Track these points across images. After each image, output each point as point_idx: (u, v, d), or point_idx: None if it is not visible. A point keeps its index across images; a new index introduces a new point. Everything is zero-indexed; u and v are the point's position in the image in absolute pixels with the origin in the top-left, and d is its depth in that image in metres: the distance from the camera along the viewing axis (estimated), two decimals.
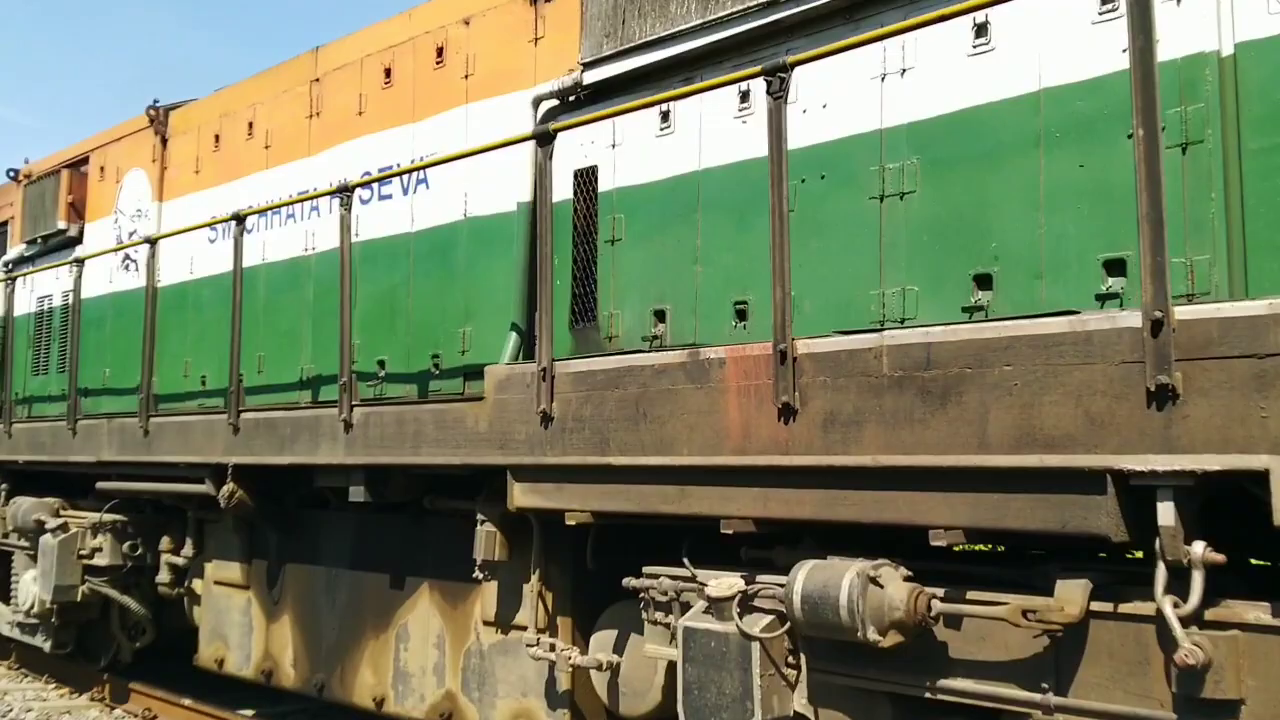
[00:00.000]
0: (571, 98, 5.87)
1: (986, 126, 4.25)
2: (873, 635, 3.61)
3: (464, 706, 5.73)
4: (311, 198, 6.74)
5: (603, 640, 5.13)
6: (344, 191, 6.08)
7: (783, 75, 4.14)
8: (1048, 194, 4.02)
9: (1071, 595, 3.34)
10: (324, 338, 7.14)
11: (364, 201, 7.04)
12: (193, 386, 7.99)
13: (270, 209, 7.16)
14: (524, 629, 5.43)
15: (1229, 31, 3.66)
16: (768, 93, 4.19)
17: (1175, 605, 3.08)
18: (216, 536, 7.60)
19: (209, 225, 7.61)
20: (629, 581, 4.62)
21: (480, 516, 5.41)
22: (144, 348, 7.61)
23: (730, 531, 4.13)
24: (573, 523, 4.73)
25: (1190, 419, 3.08)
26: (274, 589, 7.15)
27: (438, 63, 6.72)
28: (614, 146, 5.65)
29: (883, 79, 4.61)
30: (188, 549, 7.73)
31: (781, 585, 4.01)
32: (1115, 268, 3.82)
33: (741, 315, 4.97)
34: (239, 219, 6.84)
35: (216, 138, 8.46)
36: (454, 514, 5.83)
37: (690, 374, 4.36)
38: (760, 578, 4.14)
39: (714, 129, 5.21)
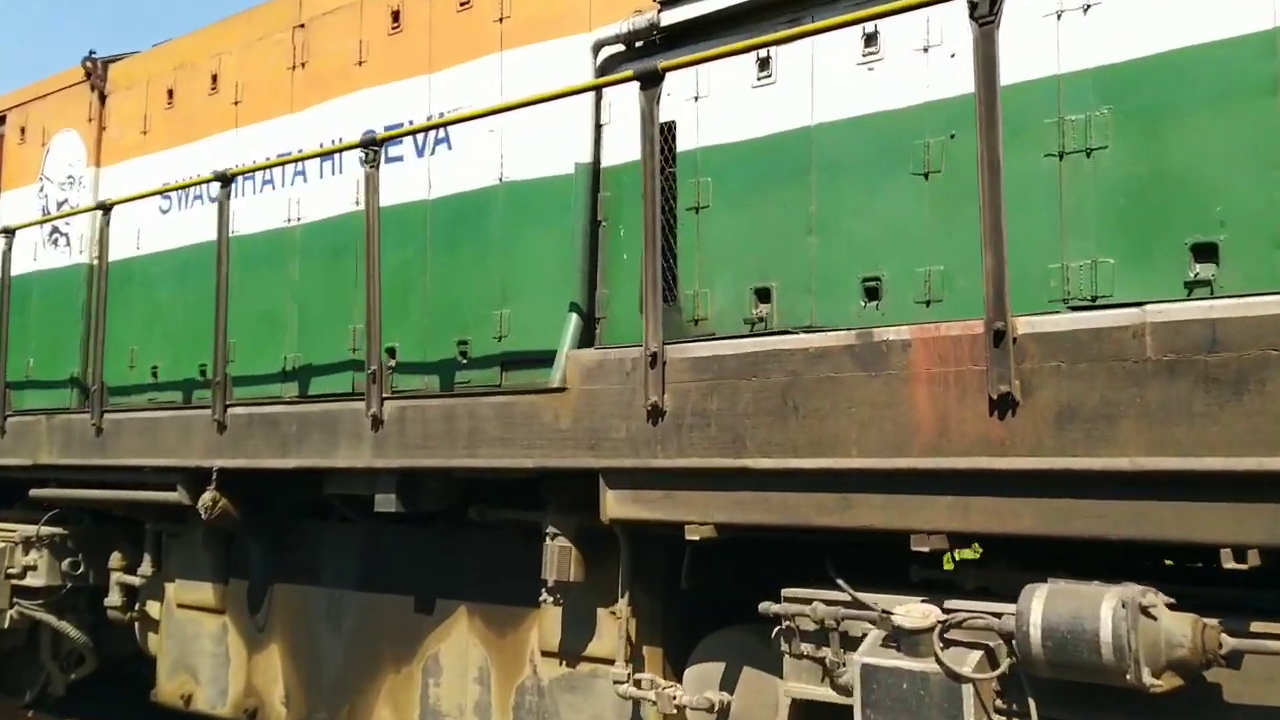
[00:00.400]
0: (640, 43, 5.07)
1: (1207, 69, 3.62)
2: (1148, 678, 2.93)
3: None
4: (325, 153, 5.79)
5: (703, 676, 4.35)
6: (371, 145, 5.16)
7: None
8: None
9: None
10: (314, 322, 6.21)
11: (364, 163, 6.11)
12: (141, 379, 6.93)
13: (262, 168, 6.14)
14: (599, 661, 4.63)
15: None
16: (972, 17, 3.48)
17: None
18: (181, 552, 6.55)
19: (184, 187, 6.55)
20: (768, 607, 3.85)
21: (550, 529, 4.57)
22: (93, 332, 6.52)
23: (926, 549, 3.41)
24: (696, 538, 3.94)
25: None
26: (258, 613, 6.15)
27: (462, 5, 5.83)
28: (697, 99, 4.87)
29: (1059, 16, 3.94)
30: (145, 567, 6.64)
31: (991, 614, 3.31)
32: None
33: (872, 294, 4.25)
34: (224, 179, 5.84)
35: (170, 93, 7.38)
36: (500, 526, 5.00)
37: (860, 359, 3.62)
38: (956, 604, 3.43)
39: (831, 78, 4.47)
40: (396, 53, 6.05)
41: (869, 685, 3.43)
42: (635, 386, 4.13)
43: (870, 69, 4.38)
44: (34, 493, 7.10)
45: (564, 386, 4.35)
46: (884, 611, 3.48)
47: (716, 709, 4.20)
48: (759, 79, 4.68)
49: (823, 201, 4.43)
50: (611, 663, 4.57)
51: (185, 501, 5.86)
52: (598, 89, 4.76)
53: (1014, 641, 3.17)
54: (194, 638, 6.53)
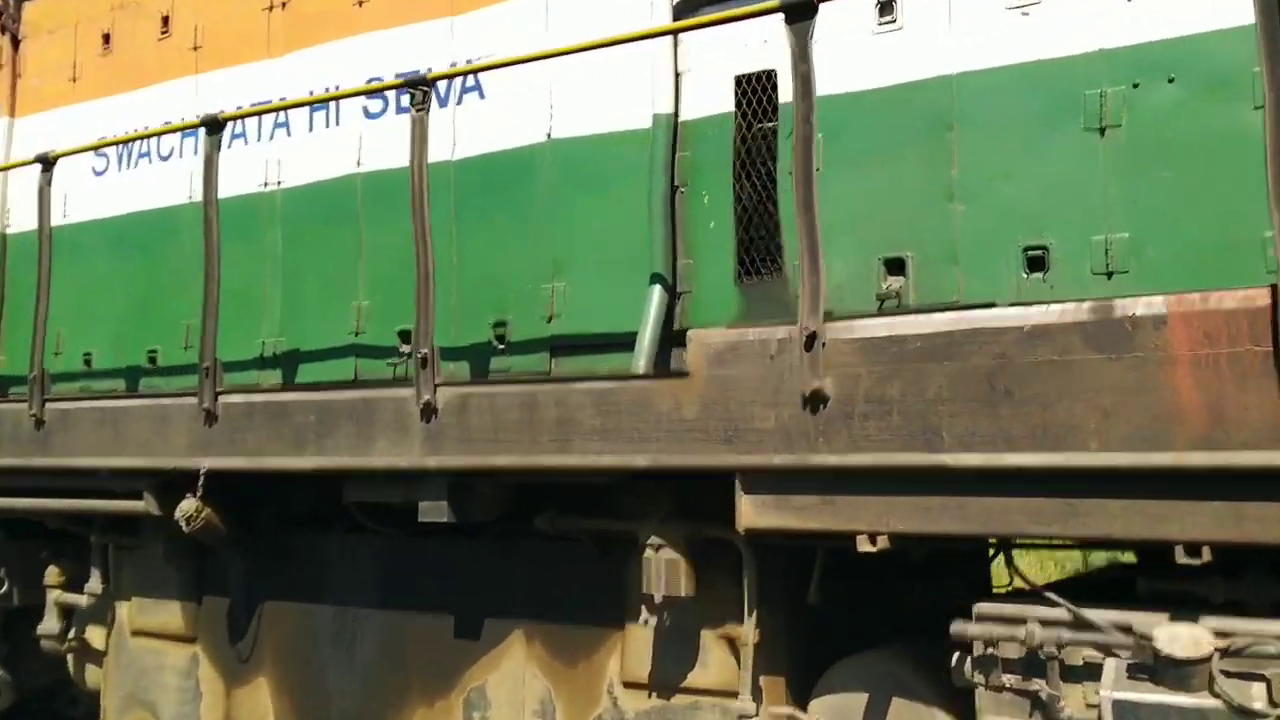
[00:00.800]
0: None
1: None
2: None
3: None
4: (367, 91, 4.93)
5: (838, 710, 3.74)
6: (420, 85, 4.37)
7: None
8: None
9: None
10: (302, 301, 5.35)
11: (370, 115, 5.31)
12: (70, 366, 5.91)
13: (271, 110, 5.22)
14: (700, 693, 3.98)
15: None
16: None
17: None
18: (138, 569, 5.57)
19: (161, 134, 5.57)
20: (963, 628, 3.27)
21: (654, 540, 3.88)
22: (36, 308, 5.47)
23: (1197, 562, 2.88)
24: (872, 549, 3.32)
25: None
26: (241, 640, 5.23)
27: None
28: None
29: None
30: (93, 584, 5.59)
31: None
32: None
33: (1036, 264, 3.72)
34: (213, 124, 4.92)
35: (106, 37, 6.36)
36: (571, 537, 4.28)
37: (1094, 337, 3.07)
38: (1227, 624, 2.92)
39: (975, 22, 3.93)
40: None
41: None
42: (784, 370, 3.49)
43: (1025, 13, 3.85)
44: None
45: (684, 371, 3.68)
46: (1140, 636, 2.94)
47: None
48: (881, 24, 4.10)
49: (968, 161, 3.88)
50: (715, 694, 3.94)
51: (154, 511, 4.92)
52: (675, 33, 4.09)
53: None
54: (154, 670, 5.53)
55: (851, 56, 4.13)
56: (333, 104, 5.39)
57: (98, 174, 6.22)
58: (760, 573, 3.80)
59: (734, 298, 4.25)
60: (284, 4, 5.67)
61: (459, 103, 5.06)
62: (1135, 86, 3.61)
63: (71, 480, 5.25)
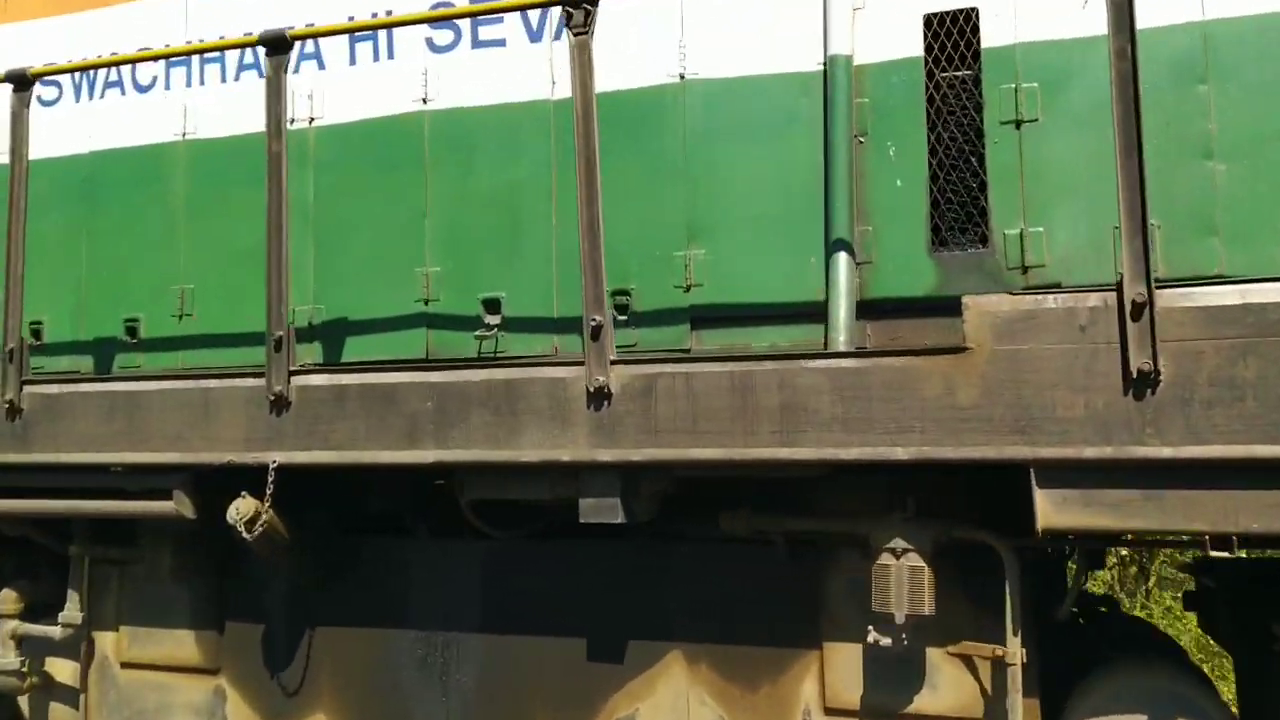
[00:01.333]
0: None
1: None
2: None
3: None
4: (482, 12, 4.06)
5: None
6: (580, 3, 3.61)
7: None
8: None
9: None
10: (340, 261, 4.46)
11: (436, 48, 4.48)
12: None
13: (351, 30, 4.26)
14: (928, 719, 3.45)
15: None
16: None
17: None
18: (132, 587, 4.52)
19: (217, 49, 4.48)
20: None
21: (899, 544, 3.32)
22: (6, 262, 4.33)
23: None
24: (1226, 554, 2.88)
25: None
26: (286, 669, 4.30)
27: None
28: None
29: None
30: (71, 610, 4.48)
31: None
32: None
33: None
34: (278, 43, 3.95)
35: None
36: (758, 539, 3.66)
37: None
38: None
39: None
40: None
41: None
42: (1100, 346, 2.99)
43: None
44: None
45: (961, 346, 3.12)
46: None
47: None
48: None
49: (1225, 116, 3.50)
50: None
51: (189, 515, 3.95)
52: None
53: None
54: (157, 710, 4.48)
55: None
56: (381, 34, 4.52)
57: (45, 104, 5.07)
58: (1019, 581, 3.30)
59: (928, 269, 3.74)
60: None
61: (558, 36, 4.30)
62: None
63: (52, 478, 4.17)
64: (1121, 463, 2.95)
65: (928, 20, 3.85)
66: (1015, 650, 3.27)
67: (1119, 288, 3.00)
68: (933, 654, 3.48)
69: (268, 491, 3.76)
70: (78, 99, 5.06)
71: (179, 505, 3.95)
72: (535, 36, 4.37)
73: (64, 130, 5.02)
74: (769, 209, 3.94)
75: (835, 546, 3.60)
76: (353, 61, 4.63)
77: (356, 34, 4.57)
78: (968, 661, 3.44)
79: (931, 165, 3.80)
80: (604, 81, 4.13)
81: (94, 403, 4.07)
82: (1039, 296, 3.12)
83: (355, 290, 4.43)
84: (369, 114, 4.53)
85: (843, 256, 3.74)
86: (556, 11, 4.26)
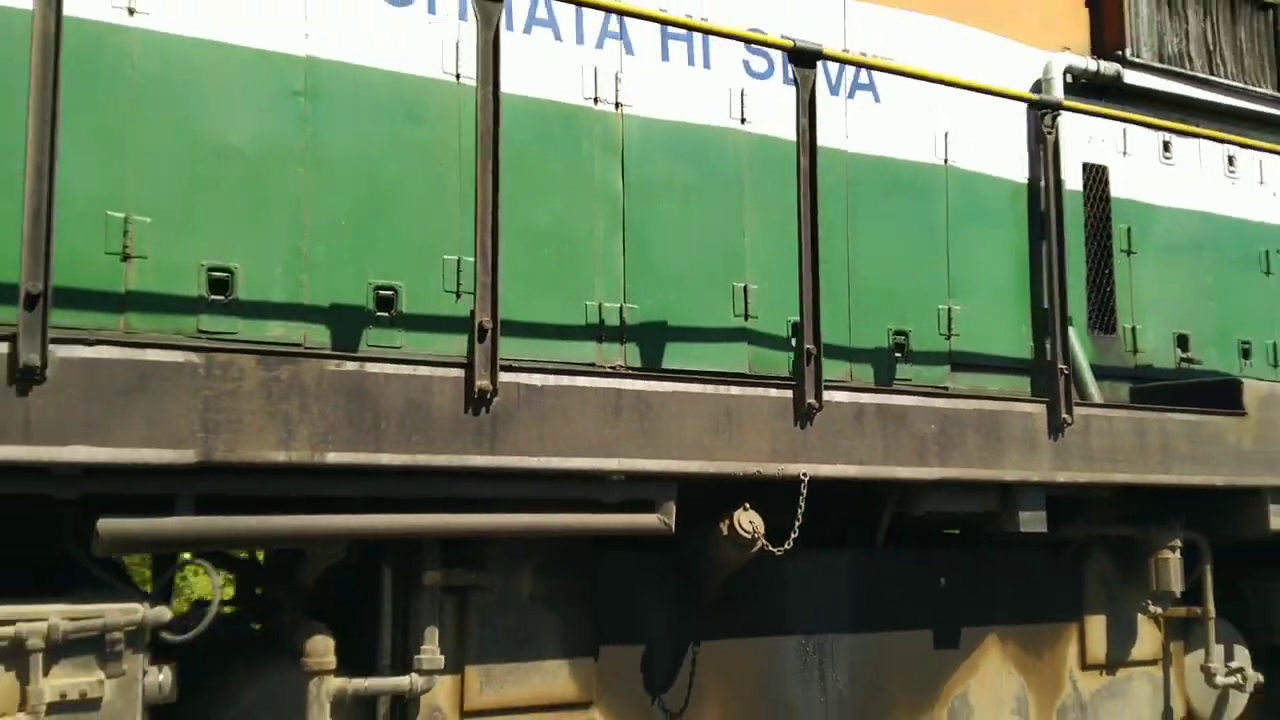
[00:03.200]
0: (1084, 81, 5.44)
1: None
2: None
3: None
4: (743, 39, 4.35)
5: None
6: (808, 58, 4.12)
7: None
8: None
9: None
10: (653, 262, 4.38)
11: (753, 73, 4.69)
12: (162, 284, 3.54)
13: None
14: (1136, 664, 5.00)
15: None
16: None
17: None
18: (477, 618, 3.65)
19: None
20: None
21: (1174, 543, 4.81)
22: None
23: None
24: None
25: None
26: (667, 690, 3.96)
27: None
28: (1123, 154, 5.56)
29: None
30: (431, 651, 3.39)
31: None
32: None
33: (1246, 354, 5.77)
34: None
35: None
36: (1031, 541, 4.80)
37: None
38: None
39: (1214, 178, 5.82)
40: None
41: None
42: None
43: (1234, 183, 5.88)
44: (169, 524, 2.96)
45: (1245, 411, 4.78)
46: None
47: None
48: (1163, 158, 5.70)
49: (1221, 274, 5.71)
50: (1144, 664, 5.02)
51: (659, 528, 3.63)
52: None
53: None
54: None
55: (1148, 172, 5.60)
56: (698, 39, 4.54)
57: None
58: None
59: (1088, 345, 5.29)
60: None
61: (850, 96, 4.87)
62: None
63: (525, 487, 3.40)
64: None
65: (1085, 168, 5.41)
66: (1210, 608, 5.00)
67: None
68: (1139, 619, 5.02)
69: (800, 508, 3.76)
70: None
71: (660, 522, 3.63)
72: (834, 90, 4.83)
73: None
74: (999, 280, 5.09)
75: (1090, 547, 4.92)
76: (665, 58, 4.48)
77: (671, 33, 4.45)
78: (1157, 622, 5.05)
79: (1088, 273, 5.36)
80: (888, 149, 4.89)
81: (593, 399, 3.49)
82: (1276, 384, 4.95)
83: (671, 294, 4.34)
84: (684, 117, 4.46)
85: (1071, 331, 5.08)
86: (853, 77, 4.84)
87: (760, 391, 3.79)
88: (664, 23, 4.19)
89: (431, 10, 4.06)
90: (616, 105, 4.32)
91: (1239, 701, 5.20)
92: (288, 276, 3.70)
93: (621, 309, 4.21)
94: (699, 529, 3.79)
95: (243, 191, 3.63)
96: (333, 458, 3.13)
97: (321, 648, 3.36)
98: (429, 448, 3.25)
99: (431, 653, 3.52)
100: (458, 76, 4.06)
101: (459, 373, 3.31)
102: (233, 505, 3.15)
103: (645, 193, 4.32)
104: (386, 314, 3.84)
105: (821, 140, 4.49)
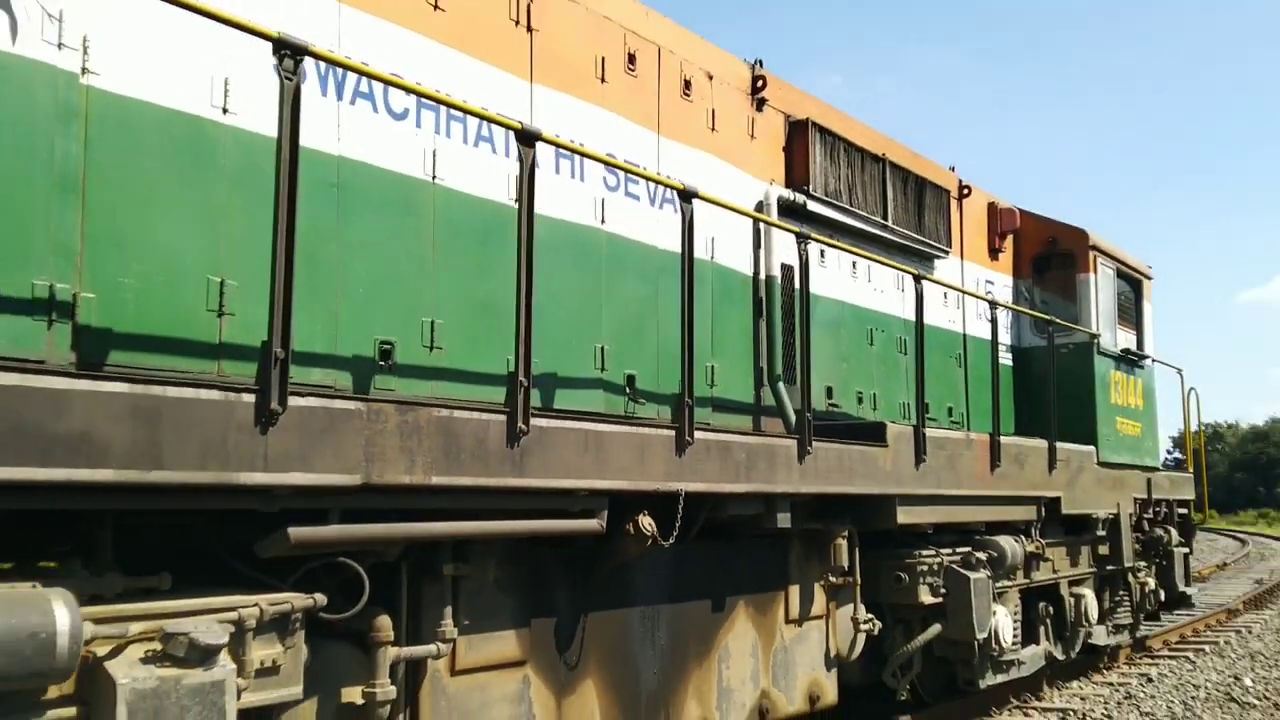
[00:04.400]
0: (779, 206, 7.58)
1: None
2: None
3: (775, 697, 6.74)
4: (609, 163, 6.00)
5: None
6: (529, 139, 6.34)
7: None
8: None
9: None
10: (545, 325, 5.81)
11: (609, 186, 6.26)
12: (244, 337, 4.48)
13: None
14: (817, 618, 7.17)
15: None
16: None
17: None
18: (469, 601, 4.74)
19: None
20: None
21: (845, 533, 7.03)
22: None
23: None
24: (917, 521, 7.52)
25: None
26: (568, 651, 5.29)
27: (685, 94, 6.80)
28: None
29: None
30: (448, 626, 4.39)
31: None
32: None
33: (860, 400, 8.29)
34: (529, 137, 5.47)
35: None
36: (761, 534, 6.79)
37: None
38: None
39: (845, 277, 8.28)
40: (633, 93, 6.40)
41: None
42: (911, 449, 7.36)
43: (854, 277, 8.39)
44: (300, 533, 3.71)
45: (887, 444, 7.11)
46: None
47: None
48: (820, 263, 8.03)
49: (848, 347, 8.14)
50: (819, 618, 7.20)
51: (598, 530, 5.08)
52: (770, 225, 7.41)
53: None
54: (479, 709, 4.77)
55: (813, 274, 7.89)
56: (577, 157, 6.01)
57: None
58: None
59: (782, 392, 7.43)
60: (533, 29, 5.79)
61: (662, 208, 6.61)
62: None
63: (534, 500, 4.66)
64: (916, 495, 7.36)
65: (781, 266, 7.54)
66: (857, 577, 7.29)
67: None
68: (819, 586, 7.19)
69: (679, 513, 5.38)
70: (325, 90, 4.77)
71: (601, 522, 5.10)
72: (654, 203, 6.51)
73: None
74: (738, 346, 7.05)
75: (792, 537, 6.97)
76: (556, 170, 5.87)
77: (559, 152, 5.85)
78: (825, 588, 7.25)
79: (778, 337, 7.49)
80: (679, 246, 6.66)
81: (571, 438, 4.85)
82: (904, 425, 7.33)
83: (557, 352, 5.76)
84: (567, 217, 5.90)
85: (779, 380, 7.15)
86: (663, 193, 6.54)
87: (662, 431, 5.36)
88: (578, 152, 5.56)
89: (418, 125, 5.17)
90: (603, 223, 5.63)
91: (861, 640, 7.56)
92: (325, 333, 4.65)
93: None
94: (613, 529, 5.26)
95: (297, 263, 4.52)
96: (435, 480, 4.24)
97: (384, 625, 4.40)
98: (486, 472, 4.45)
99: (449, 626, 4.67)
100: (434, 178, 5.20)
101: (503, 417, 4.54)
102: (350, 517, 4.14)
103: (548, 274, 5.66)
104: (385, 363, 4.89)
105: (646, 236, 6.20)
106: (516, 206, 5.41)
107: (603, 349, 6.03)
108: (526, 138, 4.72)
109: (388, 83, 4.61)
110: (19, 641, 2.98)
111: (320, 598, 4.01)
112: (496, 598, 5.05)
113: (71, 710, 3.28)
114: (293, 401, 3.72)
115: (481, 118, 5.00)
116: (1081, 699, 10.01)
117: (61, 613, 3.09)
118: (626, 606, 5.80)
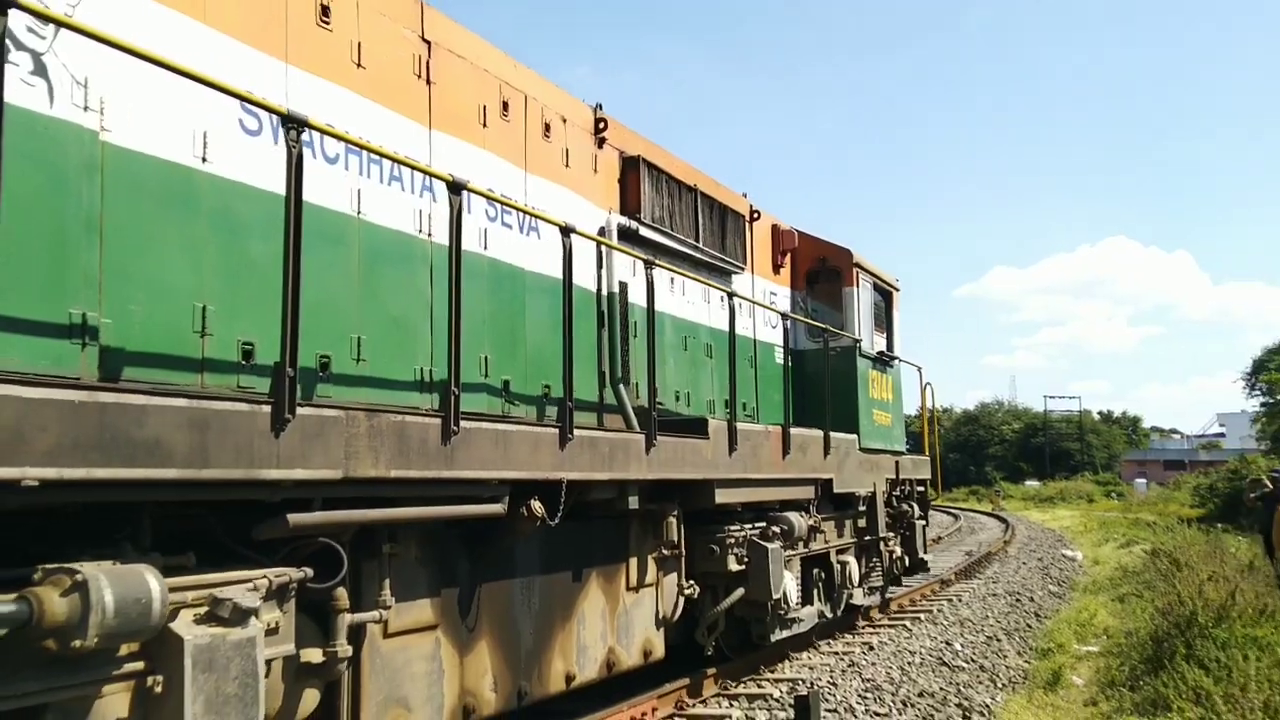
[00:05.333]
0: (619, 232, 8.76)
1: None
2: None
3: (619, 653, 7.91)
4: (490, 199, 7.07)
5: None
6: (457, 190, 7.54)
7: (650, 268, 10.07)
8: None
9: None
10: (442, 340, 6.80)
11: (489, 218, 7.24)
12: (220, 353, 5.29)
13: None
14: (650, 585, 8.40)
15: None
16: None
17: None
18: (398, 574, 5.60)
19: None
20: None
21: (675, 513, 8.28)
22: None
23: None
24: (730, 501, 8.90)
25: None
26: (468, 616, 6.22)
27: (546, 136, 7.84)
28: (633, 276, 9.00)
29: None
30: (385, 594, 5.23)
31: None
32: None
33: (677, 398, 9.60)
34: (457, 187, 6.53)
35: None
36: (610, 514, 7.95)
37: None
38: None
39: (671, 292, 9.56)
40: (506, 136, 7.40)
41: None
42: (726, 440, 8.69)
43: (678, 293, 9.69)
44: (296, 518, 4.48)
45: (709, 436, 8.40)
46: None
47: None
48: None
49: (687, 356, 9.42)
50: (651, 585, 8.44)
51: (500, 513, 6.09)
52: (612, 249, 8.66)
53: None
54: (404, 665, 5.63)
55: (635, 291, 9.13)
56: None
57: (250, 133, 5.41)
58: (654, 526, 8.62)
59: (621, 392, 8.62)
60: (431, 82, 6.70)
61: (528, 235, 7.63)
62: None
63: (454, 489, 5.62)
64: (729, 480, 8.71)
65: (620, 283, 8.71)
66: (682, 550, 8.57)
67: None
68: (652, 558, 8.41)
69: (562, 498, 6.46)
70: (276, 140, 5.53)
71: (504, 506, 6.12)
72: (523, 230, 7.49)
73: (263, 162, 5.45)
74: (587, 353, 8.17)
75: (632, 516, 8.15)
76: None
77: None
78: (656, 560, 8.49)
79: (615, 345, 8.66)
80: (543, 266, 7.76)
81: (486, 436, 5.83)
82: (721, 420, 8.65)
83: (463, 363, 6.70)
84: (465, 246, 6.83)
85: (621, 386, 8.32)
86: (530, 222, 7.55)
87: (550, 430, 6.41)
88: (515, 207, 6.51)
89: (414, 191, 6.04)
90: (429, 235, 6.56)
91: (683, 603, 8.84)
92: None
93: (432, 371, 6.47)
94: (512, 512, 6.27)
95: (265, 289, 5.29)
96: (394, 473, 5.14)
97: (342, 595, 5.26)
98: (425, 463, 5.38)
99: (387, 596, 5.56)
100: (429, 234, 6.08)
101: (439, 420, 5.48)
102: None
103: (439, 295, 6.60)
104: (324, 374, 5.72)
105: (515, 259, 7.21)
106: (421, 236, 6.38)
107: (486, 358, 7.01)
108: (455, 187, 5.67)
109: (379, 153, 5.42)
110: (129, 606, 3.75)
111: (309, 571, 4.85)
112: (416, 572, 5.97)
113: (140, 664, 4.03)
114: (298, 411, 4.56)
115: (414, 169, 5.89)
116: (810, 669, 10.69)
117: (154, 583, 3.86)
118: (510, 578, 6.82)
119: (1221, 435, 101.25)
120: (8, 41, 3.68)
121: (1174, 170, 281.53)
